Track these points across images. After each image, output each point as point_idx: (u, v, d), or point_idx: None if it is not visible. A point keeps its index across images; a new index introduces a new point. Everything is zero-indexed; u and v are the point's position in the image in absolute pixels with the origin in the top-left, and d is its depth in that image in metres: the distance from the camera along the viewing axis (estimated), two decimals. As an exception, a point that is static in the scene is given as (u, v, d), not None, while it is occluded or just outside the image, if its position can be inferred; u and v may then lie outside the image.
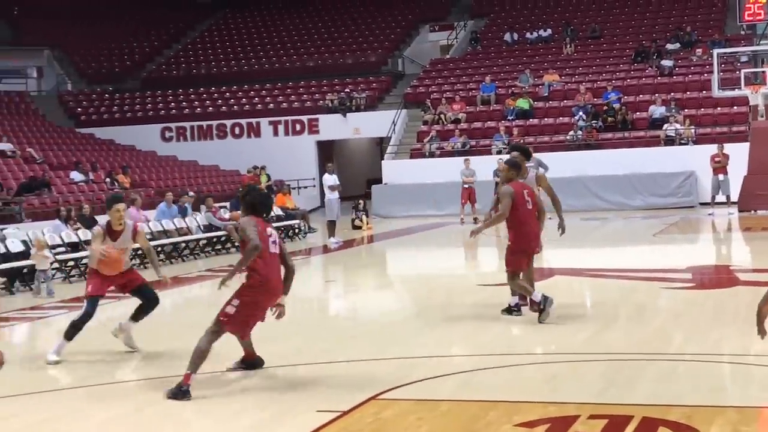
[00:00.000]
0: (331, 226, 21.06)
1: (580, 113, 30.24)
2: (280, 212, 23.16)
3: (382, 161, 31.60)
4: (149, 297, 9.19)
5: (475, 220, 25.29)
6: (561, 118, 30.92)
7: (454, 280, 14.92)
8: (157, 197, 24.09)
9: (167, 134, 36.06)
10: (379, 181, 30.83)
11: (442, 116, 32.23)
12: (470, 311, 11.14)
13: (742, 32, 33.43)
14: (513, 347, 8.85)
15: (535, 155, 25.79)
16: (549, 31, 37.75)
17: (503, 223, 10.09)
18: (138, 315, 9.19)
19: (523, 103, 31.67)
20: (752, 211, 23.50)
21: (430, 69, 37.39)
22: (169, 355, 8.96)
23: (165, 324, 10.74)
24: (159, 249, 17.79)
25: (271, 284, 7.50)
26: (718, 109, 29.21)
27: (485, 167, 25.85)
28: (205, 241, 19.75)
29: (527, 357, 8.25)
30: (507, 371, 7.80)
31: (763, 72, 25.02)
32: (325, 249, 20.48)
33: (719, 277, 13.64)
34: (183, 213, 20.18)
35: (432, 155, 30.37)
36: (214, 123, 35.65)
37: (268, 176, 29.59)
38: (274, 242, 7.52)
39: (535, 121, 31.21)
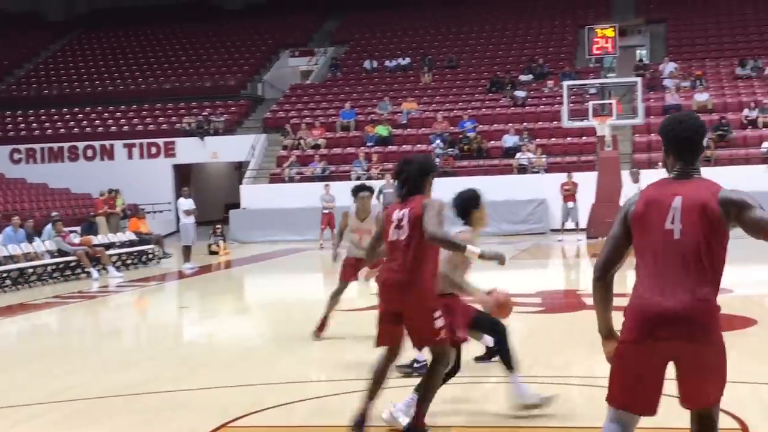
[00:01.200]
0: (187, 251, 20.76)
1: (438, 141, 30.77)
2: (133, 237, 22.70)
3: (241, 186, 31.36)
4: None
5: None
6: (419, 145, 31.37)
7: (312, 305, 14.87)
8: (4, 221, 23.25)
9: (16, 156, 34.90)
10: (237, 205, 30.59)
11: (301, 141, 32.26)
12: (328, 336, 11.13)
13: (591, 65, 34.73)
14: (366, 372, 8.86)
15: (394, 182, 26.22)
16: (408, 59, 38.34)
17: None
18: None
19: (382, 130, 32.02)
20: (599, 238, 24.29)
21: (290, 94, 37.42)
22: (10, 383, 8.63)
23: (9, 351, 10.35)
24: (5, 275, 17.16)
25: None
26: (568, 139, 30.23)
27: (345, 193, 25.91)
28: (53, 267, 19.15)
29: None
30: (360, 396, 7.80)
31: (610, 104, 25.96)
32: (181, 274, 20.15)
33: (567, 301, 14.05)
34: (30, 237, 19.53)
35: (291, 180, 30.35)
36: (66, 145, 34.68)
37: (122, 200, 28.99)
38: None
39: (394, 147, 31.58)
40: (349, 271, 10.55)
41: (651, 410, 4.27)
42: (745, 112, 30.24)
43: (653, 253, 4.09)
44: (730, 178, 27.34)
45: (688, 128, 4.20)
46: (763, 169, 27.31)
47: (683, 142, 4.19)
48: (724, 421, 6.47)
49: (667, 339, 4.03)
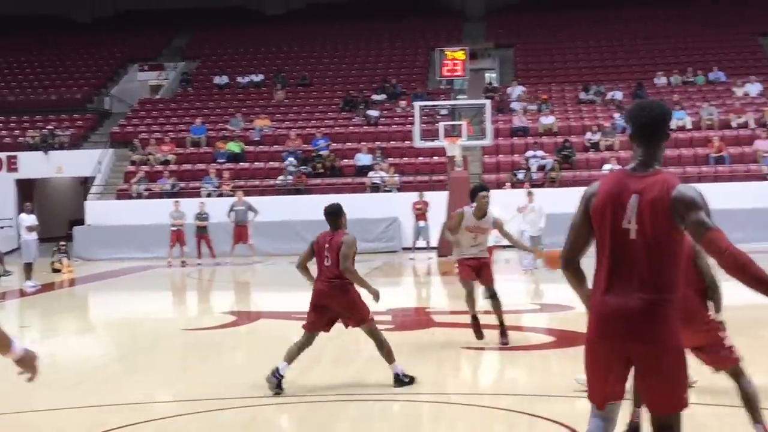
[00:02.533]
0: (28, 268, 20.04)
1: (291, 158, 30.68)
2: (-29, 254, 21.76)
3: (86, 201, 30.49)
4: None
5: (183, 263, 24.94)
6: (271, 162, 31.22)
7: (159, 324, 14.58)
8: None
9: None
10: (81, 222, 29.70)
11: (150, 157, 31.63)
12: (174, 356, 10.92)
13: (443, 87, 35.35)
14: (214, 392, 8.72)
15: (246, 199, 26.01)
16: (260, 76, 38.17)
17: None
18: None
19: (234, 147, 31.72)
20: (450, 256, 24.67)
21: (139, 108, 36.69)
22: None
23: None
24: None
25: None
26: (420, 158, 30.64)
27: (195, 209, 25.61)
28: None
29: (228, 401, 8.16)
30: (206, 416, 7.67)
31: (461, 125, 26.45)
32: (22, 293, 19.41)
33: (417, 319, 14.18)
34: None
35: (139, 196, 29.69)
36: None
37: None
38: None
39: (246, 164, 31.32)
40: (467, 270, 10.80)
41: (621, 395, 4.26)
42: (588, 135, 31.31)
43: (611, 250, 4.12)
44: (574, 200, 28.07)
45: (649, 114, 4.27)
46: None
47: (644, 129, 4.26)
48: (566, 435, 6.65)
49: (623, 338, 4.05)
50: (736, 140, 30.56)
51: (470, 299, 10.63)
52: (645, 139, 4.27)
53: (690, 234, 4.05)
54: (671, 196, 4.07)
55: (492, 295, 10.76)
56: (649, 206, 4.05)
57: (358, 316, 8.47)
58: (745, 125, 31.34)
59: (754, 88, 33.71)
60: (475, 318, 10.72)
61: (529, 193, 21.53)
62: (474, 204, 10.85)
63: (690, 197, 4.08)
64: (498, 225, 11.00)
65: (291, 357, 8.51)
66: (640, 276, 4.03)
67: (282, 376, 8.30)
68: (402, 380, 8.49)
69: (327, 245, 8.60)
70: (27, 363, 4.52)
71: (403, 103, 34.34)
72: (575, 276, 4.32)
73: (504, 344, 10.48)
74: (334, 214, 8.61)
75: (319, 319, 8.66)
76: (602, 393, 4.21)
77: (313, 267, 8.87)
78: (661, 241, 4.03)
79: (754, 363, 9.01)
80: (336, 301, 8.42)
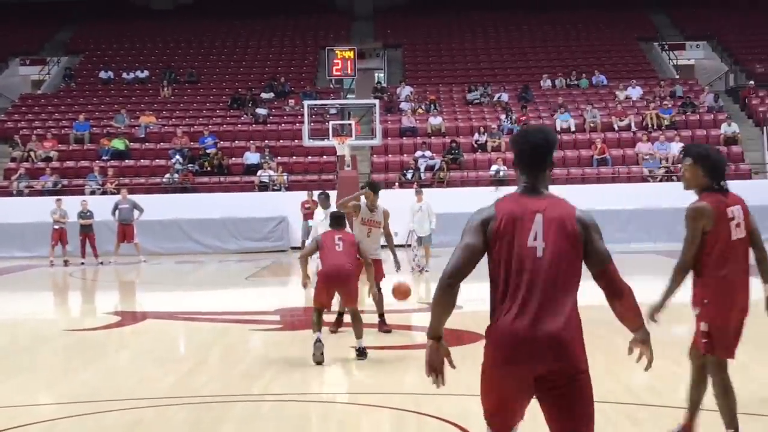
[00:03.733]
0: None
1: (177, 156, 30.23)
2: None
3: (-37, 199, 29.44)
4: None
5: (66, 262, 24.31)
6: (157, 160, 30.71)
7: (41, 325, 14.17)
8: None
9: None
10: (-41, 220, 28.65)
11: (32, 153, 30.75)
12: (56, 357, 10.63)
13: (332, 86, 35.33)
14: (98, 393, 8.51)
15: (130, 197, 25.49)
16: (146, 72, 37.50)
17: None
18: None
19: (118, 144, 31.09)
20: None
21: (20, 104, 35.67)
22: None
23: None
24: None
25: None
26: (309, 157, 30.57)
27: (78, 208, 24.98)
28: None
29: (113, 403, 7.96)
30: (90, 419, 7.46)
31: (350, 124, 26.46)
32: None
33: (306, 319, 14.08)
34: None
35: (20, 194, 28.83)
36: None
37: None
38: None
39: (131, 162, 30.74)
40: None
41: (521, 419, 4.21)
42: (476, 136, 31.72)
43: (516, 271, 3.98)
44: (462, 200, 28.44)
45: (535, 141, 4.24)
46: (491, 191, 28.70)
47: (527, 156, 4.23)
48: (454, 433, 6.70)
49: (531, 363, 3.92)
50: (618, 142, 31.39)
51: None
52: (528, 167, 4.23)
53: (593, 257, 4.04)
54: (576, 215, 4.08)
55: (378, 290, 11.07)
56: (554, 224, 4.02)
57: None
58: (627, 128, 32.21)
59: (635, 92, 34.67)
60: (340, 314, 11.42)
61: (418, 192, 21.64)
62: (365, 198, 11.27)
63: (594, 221, 4.12)
64: (385, 215, 11.35)
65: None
66: (548, 296, 3.93)
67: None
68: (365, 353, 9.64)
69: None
70: None
71: (291, 101, 34.21)
72: (452, 297, 4.08)
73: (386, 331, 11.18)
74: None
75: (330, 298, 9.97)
76: (505, 422, 4.15)
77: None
78: (565, 259, 3.98)
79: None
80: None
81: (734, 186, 22.52)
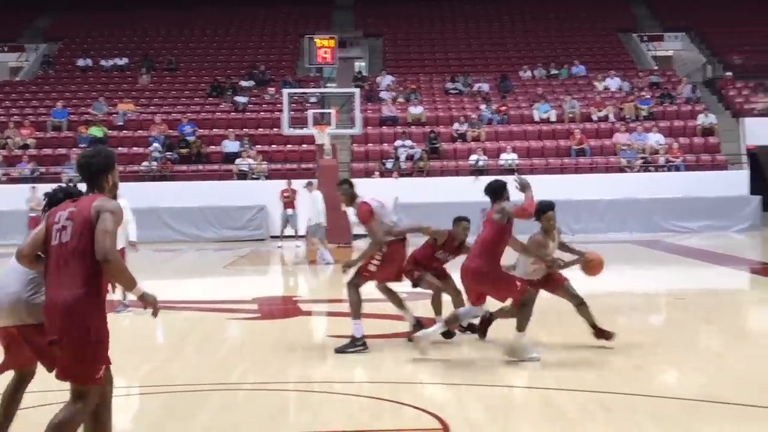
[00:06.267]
0: None
1: (156, 144, 30.10)
2: None
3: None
4: None
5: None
6: (136, 148, 30.55)
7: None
8: None
9: None
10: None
11: (9, 141, 30.54)
12: None
13: (312, 74, 35.23)
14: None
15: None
16: (125, 60, 37.29)
17: None
18: None
19: (96, 131, 30.89)
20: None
21: (-3, 91, 35.37)
22: None
23: None
24: None
25: None
26: (289, 146, 30.49)
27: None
28: None
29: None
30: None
31: (330, 113, 26.41)
32: None
33: (283, 308, 14.11)
34: None
35: (-3, 181, 28.65)
36: None
37: None
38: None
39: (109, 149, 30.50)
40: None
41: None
42: (455, 126, 31.73)
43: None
44: (442, 189, 28.60)
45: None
46: (471, 180, 28.74)
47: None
48: (426, 422, 6.71)
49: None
50: (597, 133, 31.48)
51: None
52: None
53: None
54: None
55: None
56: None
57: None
58: (605, 118, 32.29)
59: (613, 83, 34.76)
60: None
61: (309, 183, 21.65)
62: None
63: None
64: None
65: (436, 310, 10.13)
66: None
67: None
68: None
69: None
70: None
71: (271, 90, 34.10)
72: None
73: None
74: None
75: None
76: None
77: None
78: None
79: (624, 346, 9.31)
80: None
81: (711, 176, 22.75)
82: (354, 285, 9.67)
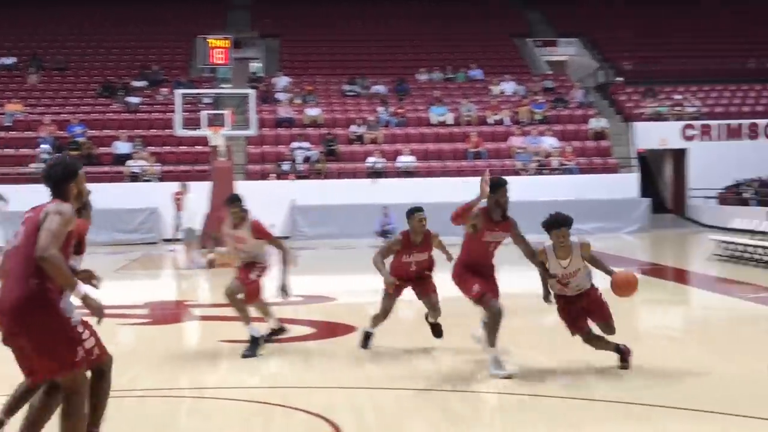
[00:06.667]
0: None
1: (45, 145, 29.26)
2: None
3: None
4: None
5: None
6: (24, 149, 29.65)
7: None
8: None
9: None
10: None
11: None
12: None
13: (206, 75, 34.73)
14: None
15: (-7, 187, 24.50)
16: (13, 59, 36.20)
17: None
18: None
19: (-18, 132, 29.89)
20: (213, 248, 24.23)
21: None
22: None
23: None
24: None
25: None
26: (182, 147, 29.99)
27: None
28: None
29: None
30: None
31: (224, 114, 26.03)
32: None
33: (176, 313, 13.81)
34: None
35: None
36: None
37: None
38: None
39: (-5, 151, 29.60)
40: None
41: None
42: (353, 128, 31.69)
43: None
44: (339, 191, 28.49)
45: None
46: (368, 183, 28.75)
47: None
48: (318, 426, 6.59)
49: None
50: (493, 136, 31.82)
51: None
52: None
53: None
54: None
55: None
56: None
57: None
58: (500, 122, 32.67)
59: (509, 87, 35.20)
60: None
61: (183, 186, 21.58)
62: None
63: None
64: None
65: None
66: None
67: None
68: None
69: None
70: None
71: (164, 90, 33.50)
72: None
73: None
74: None
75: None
76: None
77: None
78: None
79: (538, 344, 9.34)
80: None
81: (603, 179, 23.21)
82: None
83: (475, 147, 30.71)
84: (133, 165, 28.61)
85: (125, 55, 37.84)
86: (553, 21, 42.74)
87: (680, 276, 18.96)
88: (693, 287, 17.11)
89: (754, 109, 34.33)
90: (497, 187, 8.84)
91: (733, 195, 31.08)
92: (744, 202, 29.67)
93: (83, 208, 6.48)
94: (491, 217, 8.74)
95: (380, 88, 34.89)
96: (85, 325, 5.49)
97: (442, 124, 32.40)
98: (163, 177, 28.32)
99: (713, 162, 31.52)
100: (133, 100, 32.75)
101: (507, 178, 9.21)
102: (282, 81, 35.01)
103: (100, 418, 5.79)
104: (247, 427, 6.70)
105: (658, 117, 33.19)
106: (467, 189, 28.80)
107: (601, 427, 6.66)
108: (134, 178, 28.39)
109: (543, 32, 42.04)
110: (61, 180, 5.46)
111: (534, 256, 8.76)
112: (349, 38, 40.33)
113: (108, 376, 5.79)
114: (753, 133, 32.79)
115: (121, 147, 29.52)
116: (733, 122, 32.99)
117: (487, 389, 7.66)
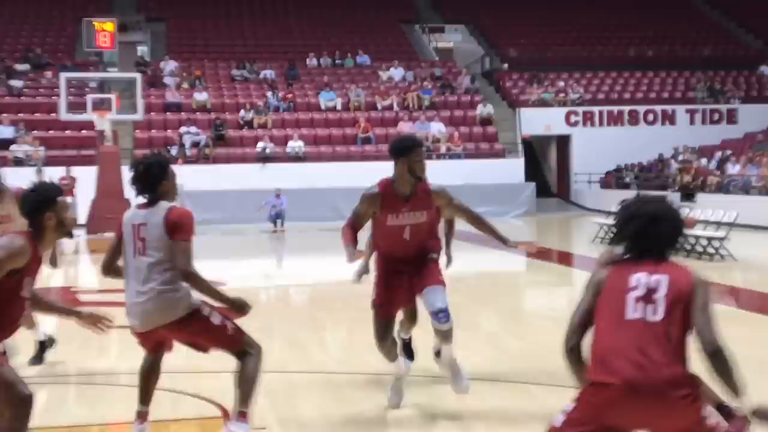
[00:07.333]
0: None
1: None
2: None
3: None
4: None
5: None
6: None
7: None
8: None
9: None
10: None
11: None
12: None
13: (91, 58, 34.07)
14: None
15: None
16: None
17: None
18: None
19: None
20: (100, 234, 23.90)
21: None
22: None
23: None
24: None
25: None
26: (67, 132, 29.41)
27: None
28: None
29: None
30: None
31: (110, 98, 25.67)
32: None
33: (63, 299, 13.62)
34: None
35: None
36: None
37: None
38: None
39: None
40: None
41: None
42: (242, 113, 31.54)
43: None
44: (228, 176, 28.32)
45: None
46: (258, 167, 28.69)
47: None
48: (207, 410, 6.67)
49: None
50: (382, 121, 32.10)
51: None
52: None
53: None
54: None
55: None
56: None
57: None
58: (389, 107, 32.96)
59: (397, 73, 35.51)
60: None
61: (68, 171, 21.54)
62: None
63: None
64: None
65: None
66: None
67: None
68: None
69: None
70: None
71: (48, 73, 32.75)
72: None
73: None
74: None
75: None
76: None
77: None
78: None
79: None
80: None
81: (490, 164, 23.67)
82: None
83: (364, 132, 30.94)
84: (17, 149, 27.93)
85: (8, 37, 36.83)
86: (440, 8, 43.20)
87: (564, 258, 19.51)
88: (576, 269, 17.63)
89: (635, 96, 35.44)
90: (406, 149, 6.67)
91: (614, 179, 32.06)
92: (625, 186, 30.65)
93: None
94: (397, 194, 6.44)
95: (269, 73, 34.78)
96: None
97: (332, 109, 32.53)
98: (48, 162, 27.71)
99: (596, 147, 32.46)
100: (16, 83, 31.93)
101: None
102: (169, 65, 34.59)
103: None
104: (135, 412, 6.72)
105: (543, 103, 33.97)
106: (356, 173, 28.98)
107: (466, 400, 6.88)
108: (18, 162, 27.71)
109: (430, 19, 42.47)
110: (36, 209, 5.14)
111: (482, 221, 7.13)
112: (237, 22, 40.04)
113: None
114: (633, 119, 33.88)
115: (4, 131, 28.80)
116: (615, 108, 34.01)
117: (373, 371, 7.86)
